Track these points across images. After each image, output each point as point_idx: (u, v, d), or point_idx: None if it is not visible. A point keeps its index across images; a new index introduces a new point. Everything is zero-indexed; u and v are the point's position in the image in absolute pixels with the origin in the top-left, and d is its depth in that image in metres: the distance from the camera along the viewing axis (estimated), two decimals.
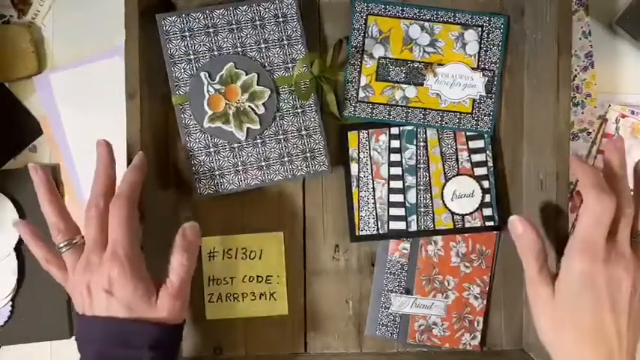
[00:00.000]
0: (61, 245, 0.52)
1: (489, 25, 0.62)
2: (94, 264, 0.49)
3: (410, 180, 0.63)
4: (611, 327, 0.45)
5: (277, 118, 0.60)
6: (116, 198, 0.50)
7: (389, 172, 0.63)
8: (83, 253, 0.51)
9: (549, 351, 0.48)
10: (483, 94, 0.62)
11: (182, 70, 0.59)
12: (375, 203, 0.62)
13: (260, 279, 0.63)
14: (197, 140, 0.60)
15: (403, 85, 0.62)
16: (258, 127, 0.60)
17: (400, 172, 0.63)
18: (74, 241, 0.52)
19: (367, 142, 0.63)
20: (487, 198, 0.62)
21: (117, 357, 0.47)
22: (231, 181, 0.60)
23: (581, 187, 0.48)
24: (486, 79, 0.62)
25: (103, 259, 0.49)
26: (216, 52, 0.60)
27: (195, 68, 0.59)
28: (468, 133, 0.62)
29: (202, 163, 0.60)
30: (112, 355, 0.47)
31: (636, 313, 0.46)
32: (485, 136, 0.62)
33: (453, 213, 0.62)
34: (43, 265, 0.53)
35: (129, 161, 0.56)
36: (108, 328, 0.48)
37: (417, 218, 0.62)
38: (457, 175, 0.62)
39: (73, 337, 0.64)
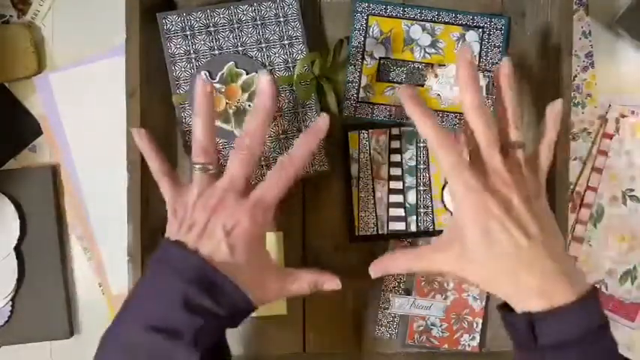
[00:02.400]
0: (197, 166, 0.48)
1: (490, 26, 0.62)
2: (227, 203, 0.46)
3: (410, 181, 0.62)
4: (530, 249, 0.43)
5: (277, 118, 0.60)
6: (289, 157, 0.49)
7: (389, 172, 0.63)
8: (216, 186, 0.47)
9: (489, 291, 0.48)
10: (484, 95, 0.62)
11: (182, 69, 0.59)
12: (374, 204, 0.62)
13: None
14: None
15: None
16: None
17: (400, 173, 0.63)
18: (209, 169, 0.48)
19: (367, 143, 0.63)
20: None
21: (197, 300, 0.42)
22: None
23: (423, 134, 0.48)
24: (487, 80, 0.62)
25: (243, 203, 0.46)
26: (216, 52, 0.60)
27: (195, 67, 0.59)
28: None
29: None
30: (191, 295, 0.42)
31: (540, 218, 0.44)
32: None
33: (453, 214, 0.62)
34: (156, 177, 0.51)
35: (129, 160, 0.56)
36: (204, 269, 0.43)
37: (417, 219, 0.62)
38: None
39: (74, 337, 0.64)
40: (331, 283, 0.51)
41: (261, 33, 0.60)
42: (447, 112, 0.62)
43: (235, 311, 0.45)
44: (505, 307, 0.47)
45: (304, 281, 0.50)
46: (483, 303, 0.62)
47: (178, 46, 0.59)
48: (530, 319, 0.42)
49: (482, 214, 0.44)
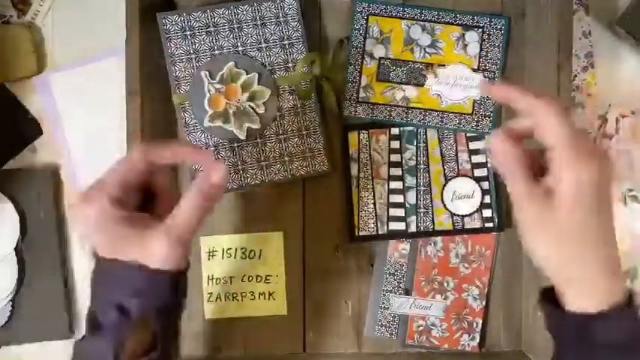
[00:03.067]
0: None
1: (490, 26, 0.62)
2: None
3: (410, 181, 0.62)
4: (611, 230, 0.41)
5: (277, 118, 0.60)
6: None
7: (389, 172, 0.63)
8: None
9: (554, 278, 0.43)
10: (484, 95, 0.62)
11: (182, 69, 0.59)
12: (374, 204, 0.62)
13: (259, 279, 0.63)
14: (197, 139, 0.60)
15: (404, 86, 0.62)
16: (258, 126, 0.60)
17: (400, 173, 0.63)
18: None
19: (367, 143, 0.63)
20: (487, 199, 0.62)
21: (104, 297, 0.44)
22: (231, 181, 0.60)
23: (531, 110, 0.42)
24: (487, 80, 0.62)
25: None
26: (216, 52, 0.60)
27: (195, 67, 0.59)
28: (468, 134, 0.62)
29: None
30: (99, 293, 0.44)
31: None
32: (486, 137, 0.62)
33: (452, 214, 0.62)
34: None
35: None
36: (96, 266, 0.45)
37: (417, 219, 0.62)
38: (457, 176, 0.62)
39: (74, 337, 0.64)
40: (216, 169, 0.46)
41: (261, 33, 0.60)
42: (447, 112, 0.62)
43: (142, 291, 0.44)
44: (547, 302, 0.44)
45: (189, 203, 0.45)
46: (483, 303, 0.62)
47: (178, 46, 0.59)
48: (583, 319, 0.40)
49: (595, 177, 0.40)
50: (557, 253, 0.42)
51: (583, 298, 0.41)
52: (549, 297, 0.44)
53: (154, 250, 0.43)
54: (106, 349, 0.42)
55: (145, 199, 0.48)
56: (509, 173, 0.43)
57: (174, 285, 0.45)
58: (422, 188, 0.63)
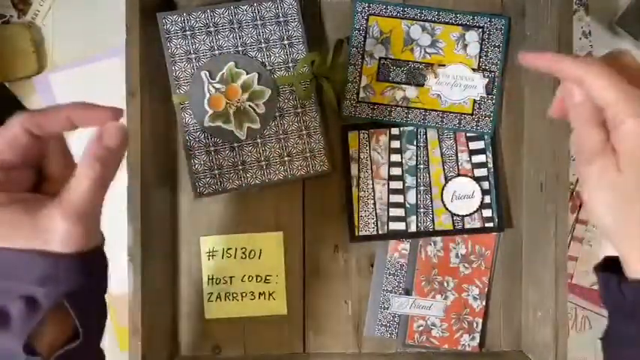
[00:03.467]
0: None
1: (490, 26, 0.62)
2: None
3: (410, 180, 0.62)
4: None
5: (277, 118, 0.60)
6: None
7: (389, 172, 0.63)
8: None
9: (617, 242, 0.41)
10: (484, 95, 0.62)
11: (183, 69, 0.59)
12: (374, 204, 0.62)
13: (259, 279, 0.63)
14: (197, 139, 0.60)
15: (404, 86, 0.62)
16: (258, 126, 0.60)
17: (400, 173, 0.63)
18: None
19: (367, 143, 0.63)
20: (487, 199, 0.62)
21: (7, 289, 0.39)
22: (231, 181, 0.60)
23: (579, 75, 0.40)
24: (487, 80, 0.62)
25: None
26: (216, 52, 0.60)
27: (195, 67, 0.59)
28: (468, 134, 0.62)
29: (202, 163, 0.60)
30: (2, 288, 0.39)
31: None
32: (486, 137, 0.62)
33: (452, 214, 0.62)
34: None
35: (128, 160, 0.56)
36: None
37: (417, 219, 0.62)
38: (457, 176, 0.62)
39: None
40: (109, 128, 0.41)
41: (261, 33, 0.60)
42: (447, 112, 0.62)
43: (48, 278, 0.39)
44: (606, 270, 0.42)
45: (81, 173, 0.40)
46: (483, 303, 0.62)
47: (178, 46, 0.59)
48: None
49: None
50: (621, 212, 0.40)
51: None
52: (608, 267, 0.42)
53: (52, 233, 0.38)
54: (16, 345, 0.38)
55: (37, 179, 0.42)
56: (581, 127, 0.41)
57: (83, 266, 0.40)
58: (422, 188, 0.63)
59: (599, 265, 0.43)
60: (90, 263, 0.41)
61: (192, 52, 0.59)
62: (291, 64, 0.60)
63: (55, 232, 0.38)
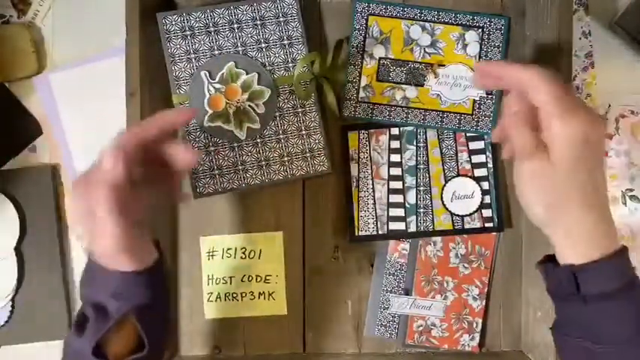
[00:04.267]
0: None
1: (490, 26, 0.62)
2: None
3: (410, 181, 0.62)
4: (602, 184, 0.44)
5: (277, 118, 0.60)
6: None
7: (389, 172, 0.63)
8: None
9: (547, 229, 0.45)
10: (484, 95, 0.62)
11: (182, 69, 0.59)
12: (374, 204, 0.62)
13: (259, 279, 0.63)
14: (197, 139, 0.60)
15: (404, 86, 0.62)
16: (258, 126, 0.60)
17: (400, 173, 0.63)
18: None
19: (367, 143, 0.63)
20: (487, 199, 0.62)
21: (89, 296, 0.46)
22: (230, 181, 0.60)
23: (520, 78, 0.44)
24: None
25: None
26: (216, 52, 0.60)
27: (195, 67, 0.59)
28: (468, 134, 0.62)
29: (202, 163, 0.60)
30: (85, 293, 0.47)
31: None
32: (486, 137, 0.62)
33: (452, 214, 0.62)
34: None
35: None
36: (87, 264, 0.47)
37: (417, 219, 0.62)
38: (457, 176, 0.62)
39: None
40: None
41: (261, 33, 0.60)
42: (447, 112, 0.62)
43: (117, 293, 0.45)
44: (544, 263, 0.47)
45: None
46: (483, 303, 0.62)
47: (178, 46, 0.59)
48: (574, 270, 0.43)
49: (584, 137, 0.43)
50: (551, 204, 0.44)
51: (577, 247, 0.43)
52: (548, 261, 0.46)
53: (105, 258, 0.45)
54: (86, 348, 0.43)
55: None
56: (518, 125, 0.45)
57: (147, 283, 0.45)
58: (422, 188, 0.63)
59: (540, 260, 0.48)
60: (152, 279, 0.46)
61: (192, 52, 0.59)
62: (291, 64, 0.60)
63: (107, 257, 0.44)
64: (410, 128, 0.62)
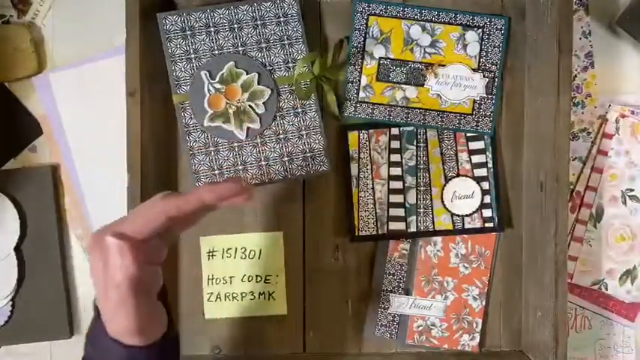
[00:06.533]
0: None
1: (490, 26, 0.62)
2: None
3: (410, 180, 0.62)
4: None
5: (277, 118, 0.60)
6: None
7: (389, 172, 0.63)
8: None
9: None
10: (484, 95, 0.62)
11: (183, 69, 0.59)
12: (374, 204, 0.62)
13: (259, 279, 0.63)
14: (197, 139, 0.60)
15: (404, 86, 0.62)
16: (258, 126, 0.60)
17: (400, 173, 0.63)
18: None
19: (367, 143, 0.63)
20: (487, 199, 0.62)
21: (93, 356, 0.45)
22: None
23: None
24: (487, 80, 0.62)
25: None
26: (216, 52, 0.60)
27: (195, 67, 0.59)
28: (468, 134, 0.62)
29: (202, 162, 0.60)
30: (89, 351, 0.46)
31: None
32: (486, 137, 0.62)
33: (452, 214, 0.62)
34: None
35: (129, 160, 0.56)
36: (93, 319, 0.46)
37: (417, 219, 0.62)
38: (457, 176, 0.62)
39: (74, 337, 0.64)
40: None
41: (261, 33, 0.60)
42: (447, 112, 0.62)
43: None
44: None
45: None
46: (483, 303, 0.62)
47: (178, 46, 0.59)
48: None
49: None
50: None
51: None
52: None
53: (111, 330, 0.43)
54: None
55: None
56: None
57: (152, 356, 0.43)
58: (422, 188, 0.63)
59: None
60: (160, 352, 0.44)
61: (192, 52, 0.59)
62: (291, 64, 0.60)
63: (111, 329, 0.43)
64: (410, 128, 0.63)
